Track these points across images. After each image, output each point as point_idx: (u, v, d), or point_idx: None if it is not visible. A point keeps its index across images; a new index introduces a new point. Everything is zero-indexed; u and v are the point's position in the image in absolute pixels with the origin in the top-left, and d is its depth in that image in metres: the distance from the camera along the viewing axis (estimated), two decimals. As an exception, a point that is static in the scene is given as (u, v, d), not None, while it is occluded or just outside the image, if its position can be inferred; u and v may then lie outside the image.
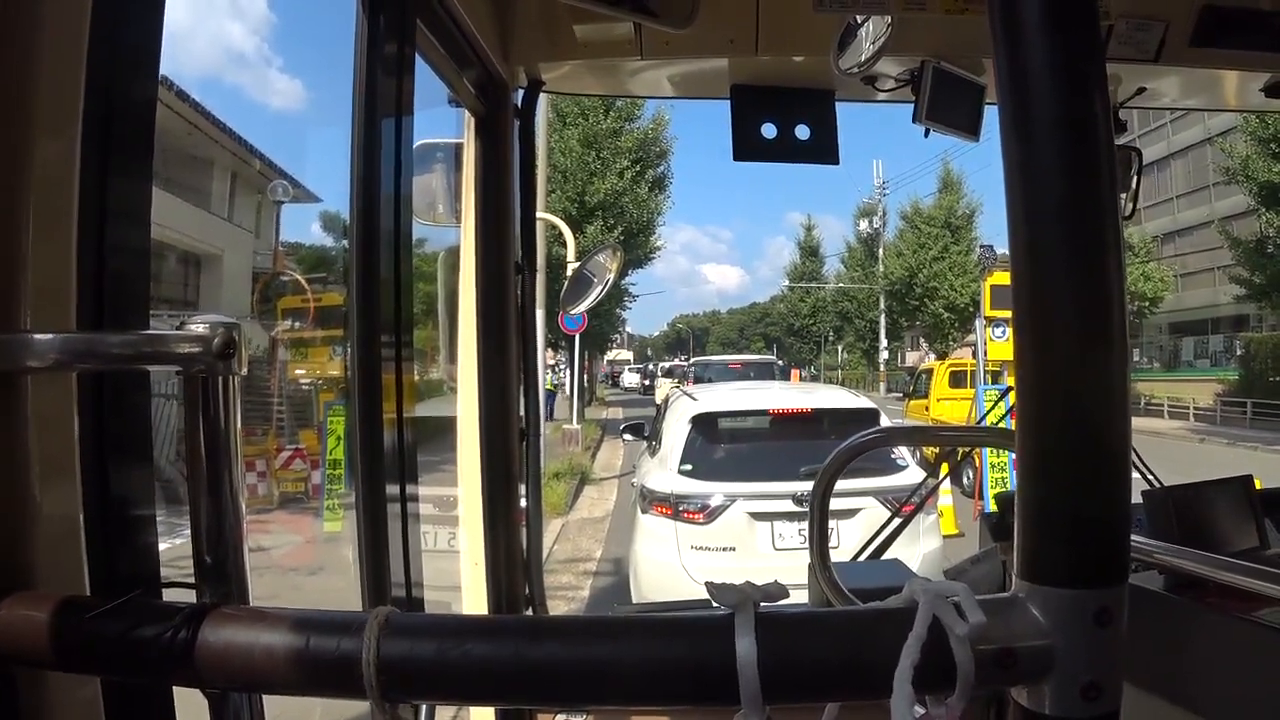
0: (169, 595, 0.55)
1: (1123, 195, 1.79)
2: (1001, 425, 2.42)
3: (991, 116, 1.56)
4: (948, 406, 11.92)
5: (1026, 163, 0.39)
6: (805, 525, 2.79)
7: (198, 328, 0.47)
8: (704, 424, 4.90)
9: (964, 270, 27.93)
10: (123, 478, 0.59)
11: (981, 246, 12.79)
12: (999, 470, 6.90)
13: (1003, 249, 9.24)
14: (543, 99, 2.25)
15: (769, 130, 1.63)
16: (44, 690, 0.49)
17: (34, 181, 0.50)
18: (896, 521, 2.33)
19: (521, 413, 1.64)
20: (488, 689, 0.44)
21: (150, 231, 0.62)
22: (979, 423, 4.12)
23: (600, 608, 5.63)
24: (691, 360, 25.89)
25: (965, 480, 8.35)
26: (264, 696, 0.53)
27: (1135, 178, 1.83)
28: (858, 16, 1.40)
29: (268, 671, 0.43)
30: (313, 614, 0.44)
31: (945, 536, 5.24)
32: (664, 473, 4.73)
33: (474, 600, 1.58)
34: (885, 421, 5.08)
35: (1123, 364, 0.39)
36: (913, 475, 4.49)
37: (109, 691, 0.53)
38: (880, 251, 34.97)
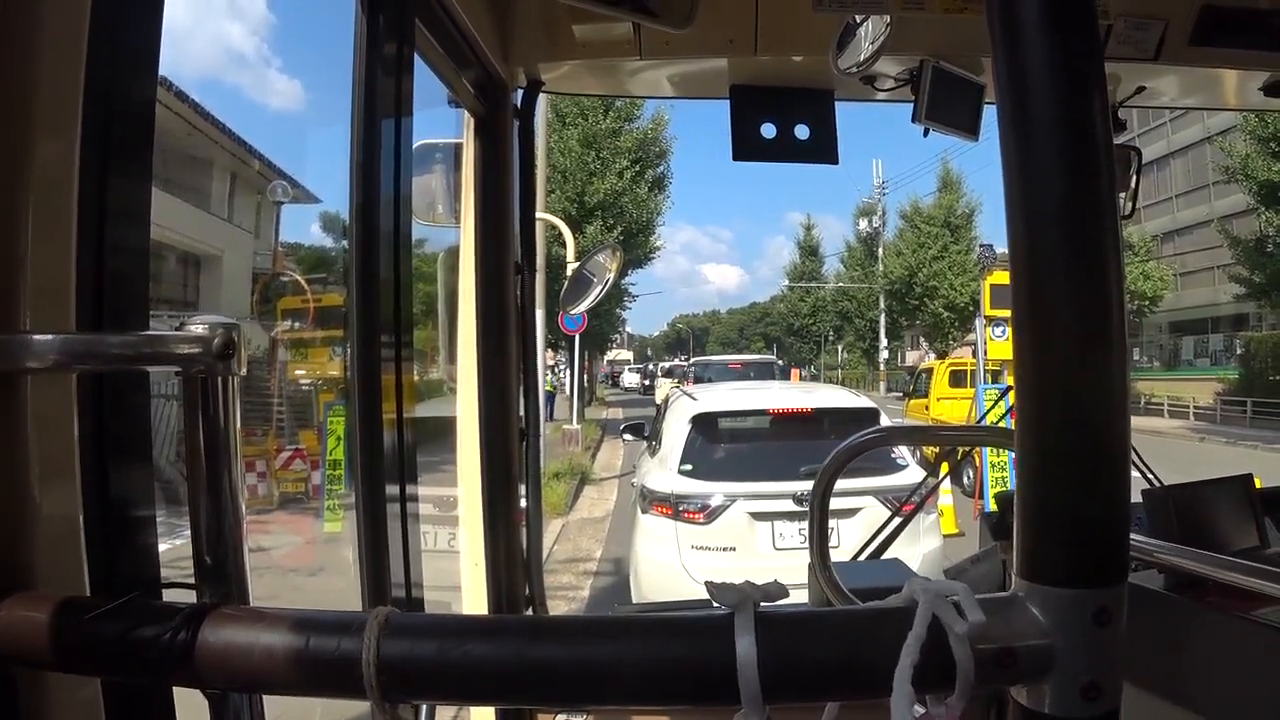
0: (169, 596, 0.55)
1: (1122, 194, 1.79)
2: (1001, 425, 2.42)
3: (991, 116, 1.56)
4: (948, 406, 11.92)
5: (1026, 162, 0.40)
6: (805, 525, 2.79)
7: (197, 328, 0.47)
8: (704, 424, 4.90)
9: (964, 269, 27.94)
10: (122, 478, 0.59)
11: (981, 246, 12.78)
12: (999, 470, 6.90)
13: (1002, 248, 9.23)
14: (542, 99, 2.25)
15: (768, 130, 1.63)
16: (44, 691, 0.49)
17: (33, 182, 0.50)
18: (896, 521, 2.33)
19: (521, 413, 1.64)
20: (488, 689, 0.44)
21: (150, 232, 0.62)
22: (979, 422, 4.12)
23: (600, 608, 5.63)
24: (691, 360, 25.89)
25: (965, 480, 8.35)
26: (264, 697, 0.53)
27: (1134, 177, 1.83)
28: (857, 16, 1.40)
29: (268, 672, 0.43)
30: (313, 614, 0.44)
31: (945, 536, 5.24)
32: (664, 473, 4.73)
33: (474, 600, 1.58)
34: (885, 421, 5.08)
35: (1122, 363, 0.39)
36: (913, 475, 4.49)
37: (109, 692, 0.53)
38: (880, 251, 34.98)
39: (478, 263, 1.56)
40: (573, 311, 7.62)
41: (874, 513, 4.09)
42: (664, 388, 20.69)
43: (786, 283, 45.53)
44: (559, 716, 1.51)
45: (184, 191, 8.39)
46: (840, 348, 41.55)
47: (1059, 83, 0.39)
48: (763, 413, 5.14)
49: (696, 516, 4.44)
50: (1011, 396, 0.44)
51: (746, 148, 1.63)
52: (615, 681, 0.42)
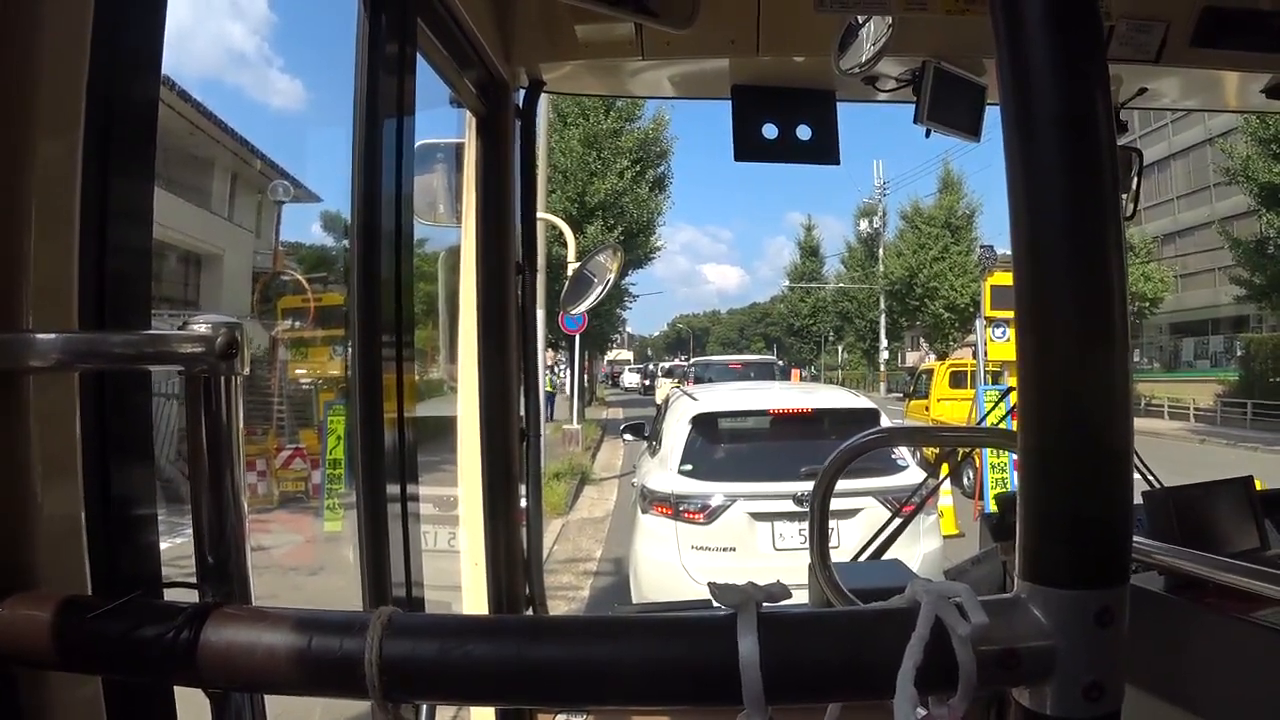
0: (171, 595, 0.55)
1: (1124, 196, 1.79)
2: (1002, 425, 2.42)
3: (992, 116, 1.56)
4: (948, 407, 11.92)
5: (1028, 163, 0.40)
6: (806, 525, 2.79)
7: (200, 327, 0.47)
8: (704, 424, 4.90)
9: (964, 270, 27.93)
10: (124, 477, 0.59)
11: (982, 247, 12.78)
12: (999, 471, 6.90)
13: (1003, 249, 9.24)
14: (543, 99, 2.25)
15: (770, 130, 1.63)
16: (46, 690, 0.49)
17: (36, 181, 0.50)
18: (897, 522, 2.33)
19: (522, 413, 1.64)
20: (489, 689, 0.44)
21: (152, 231, 0.62)
22: (979, 423, 4.12)
23: (601, 608, 5.63)
24: (692, 360, 25.88)
25: (966, 481, 8.34)
26: (265, 696, 0.53)
27: (1136, 178, 1.83)
28: (858, 17, 1.40)
29: (270, 671, 0.43)
30: (315, 614, 0.44)
31: (945, 537, 5.24)
32: (664, 473, 4.73)
33: (474, 600, 1.58)
34: (885, 422, 5.08)
35: (1124, 364, 0.39)
36: (913, 475, 4.49)
37: (110, 691, 0.53)
38: (880, 252, 34.98)
39: (479, 262, 1.56)
40: (573, 311, 7.62)
41: (874, 513, 4.09)
42: (664, 388, 20.69)
43: (787, 283, 45.59)
44: (559, 716, 1.51)
45: (186, 191, 8.40)
46: (840, 348, 41.54)
47: (1061, 83, 0.39)
48: (763, 413, 5.14)
49: (697, 517, 4.44)
50: (1012, 398, 0.44)
51: (748, 148, 1.63)
52: (616, 681, 0.42)
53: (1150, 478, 1.58)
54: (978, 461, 7.22)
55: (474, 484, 1.58)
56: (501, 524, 1.58)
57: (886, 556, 2.20)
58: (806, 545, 1.61)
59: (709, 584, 0.47)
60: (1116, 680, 0.40)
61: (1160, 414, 22.12)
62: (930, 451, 6.85)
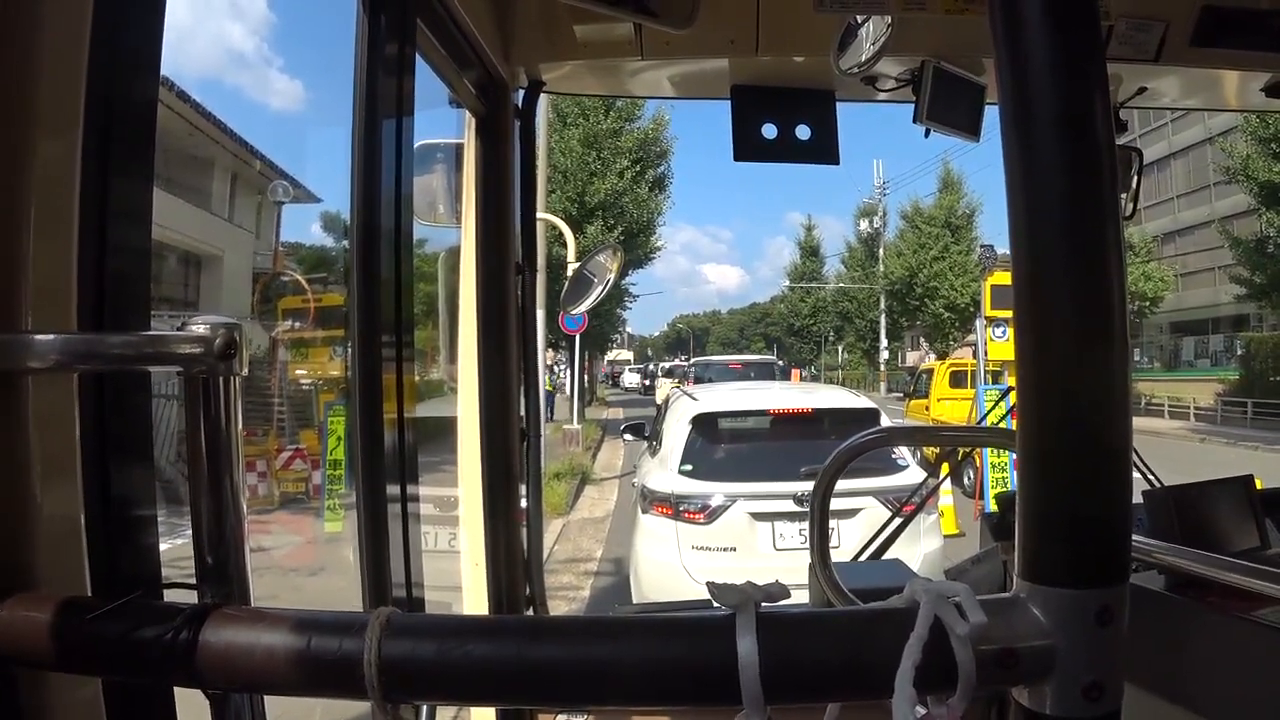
0: (170, 596, 0.55)
1: (1123, 195, 1.79)
2: (1002, 425, 2.42)
3: (992, 116, 1.56)
4: (948, 406, 11.92)
5: (1028, 161, 0.40)
6: (806, 525, 2.80)
7: (199, 328, 0.47)
8: (704, 424, 4.90)
9: (964, 270, 27.93)
10: (124, 478, 0.59)
11: (982, 246, 12.79)
12: (999, 470, 6.89)
13: (1003, 249, 9.24)
14: (543, 99, 2.25)
15: (769, 130, 1.63)
16: (45, 691, 0.49)
17: (35, 182, 0.50)
18: (897, 521, 2.33)
19: (522, 413, 1.64)
20: (489, 689, 0.44)
21: (151, 232, 0.62)
22: (979, 423, 4.12)
23: (601, 608, 5.63)
24: (692, 360, 25.88)
25: (966, 480, 8.34)
26: (265, 697, 0.53)
27: (1136, 178, 1.83)
28: (858, 17, 1.40)
29: (269, 672, 0.43)
30: (314, 614, 0.44)
31: (946, 536, 5.24)
32: (664, 473, 4.73)
33: (474, 600, 1.58)
34: (886, 421, 5.08)
35: (1123, 363, 0.39)
36: (913, 475, 4.49)
37: (110, 692, 0.53)
38: (880, 251, 34.97)
39: (479, 263, 1.56)
40: (573, 312, 7.62)
41: (874, 513, 4.09)
42: (664, 388, 20.68)
43: (787, 283, 45.58)
44: (559, 716, 1.51)
45: (185, 191, 8.39)
46: (841, 348, 41.52)
47: (1061, 83, 0.39)
48: (763, 413, 5.14)
49: (697, 517, 4.44)
50: (1012, 397, 0.44)
51: (747, 148, 1.63)
52: (616, 681, 0.42)
53: (1150, 477, 1.58)
54: (978, 461, 7.21)
55: (474, 484, 1.58)
56: (502, 524, 1.58)
57: (887, 556, 2.20)
58: (807, 545, 1.61)
59: (708, 584, 0.47)
60: (1116, 680, 0.40)
61: (1160, 413, 22.12)
62: (930, 451, 6.86)
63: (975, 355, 9.51)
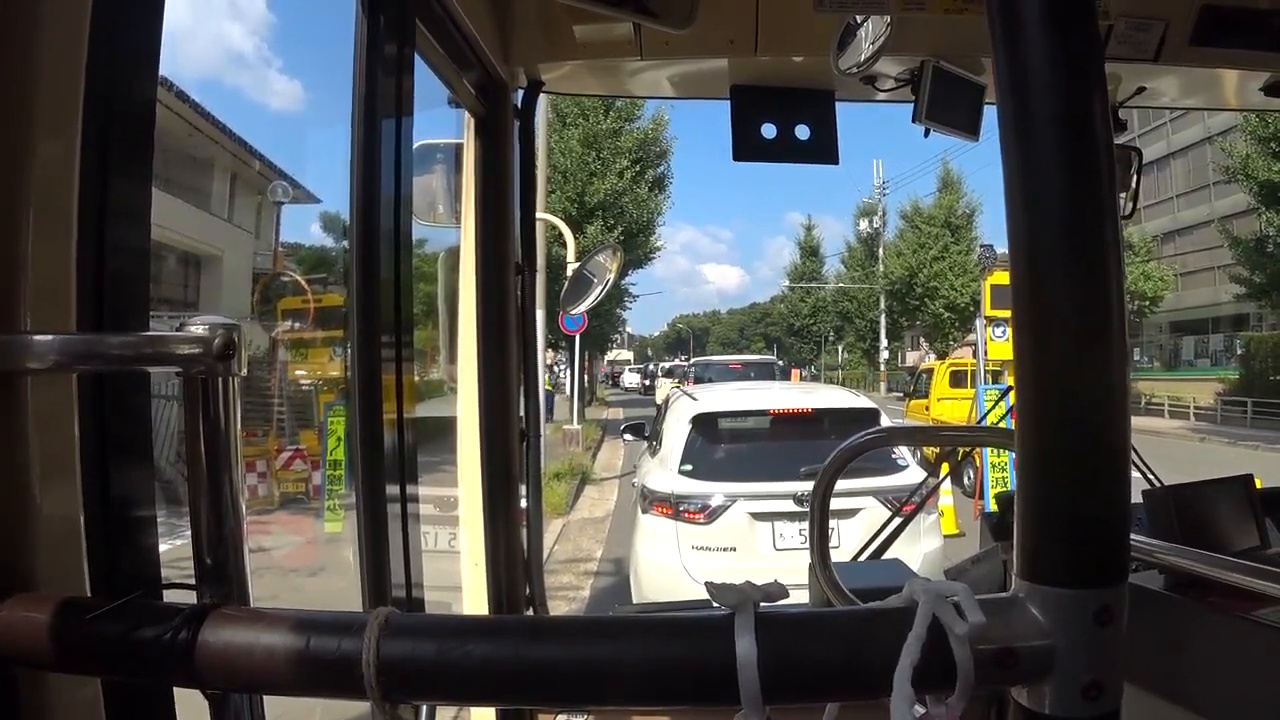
0: (169, 596, 0.55)
1: (1122, 195, 1.79)
2: (1002, 425, 2.42)
3: (991, 116, 1.56)
4: (948, 406, 11.92)
5: (1026, 162, 0.40)
6: (806, 525, 2.79)
7: (198, 329, 0.47)
8: (704, 424, 4.90)
9: (964, 270, 27.94)
10: (123, 479, 0.59)
11: (981, 246, 12.79)
12: (999, 470, 6.89)
13: (1003, 248, 9.23)
14: (542, 99, 2.24)
15: (769, 130, 1.63)
16: (45, 691, 0.49)
17: (34, 182, 0.50)
18: (897, 521, 2.33)
19: (521, 413, 1.64)
20: (488, 689, 0.44)
21: (150, 232, 0.62)
22: (979, 422, 4.12)
23: (601, 608, 5.63)
24: (692, 360, 25.87)
25: (966, 480, 8.34)
26: (264, 697, 0.53)
27: (1135, 177, 1.83)
28: (857, 17, 1.40)
29: (268, 672, 0.43)
30: (313, 614, 0.44)
31: (945, 536, 5.24)
32: (664, 473, 4.73)
33: (474, 600, 1.58)
34: (885, 421, 5.08)
35: (1122, 363, 0.39)
36: (913, 475, 4.49)
37: (110, 692, 0.53)
38: (880, 251, 34.98)
39: (478, 263, 1.56)
40: (573, 312, 7.62)
41: (874, 513, 4.09)
42: (664, 388, 20.68)
43: (787, 283, 45.57)
44: (559, 716, 1.51)
45: (184, 192, 8.39)
46: (840, 348, 41.52)
47: (1059, 82, 0.39)
48: (763, 413, 5.14)
49: (697, 517, 4.44)
50: (1012, 397, 0.43)
51: (747, 148, 1.63)
52: (615, 681, 0.42)
53: (1150, 476, 1.58)
54: (978, 461, 7.21)
55: (474, 484, 1.58)
56: (501, 524, 1.58)
57: (886, 556, 2.20)
58: (807, 545, 1.61)
59: (706, 584, 0.47)
60: (1115, 679, 0.40)
61: (1160, 413, 22.12)
62: (930, 451, 6.85)
63: (975, 355, 9.51)
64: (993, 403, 4.31)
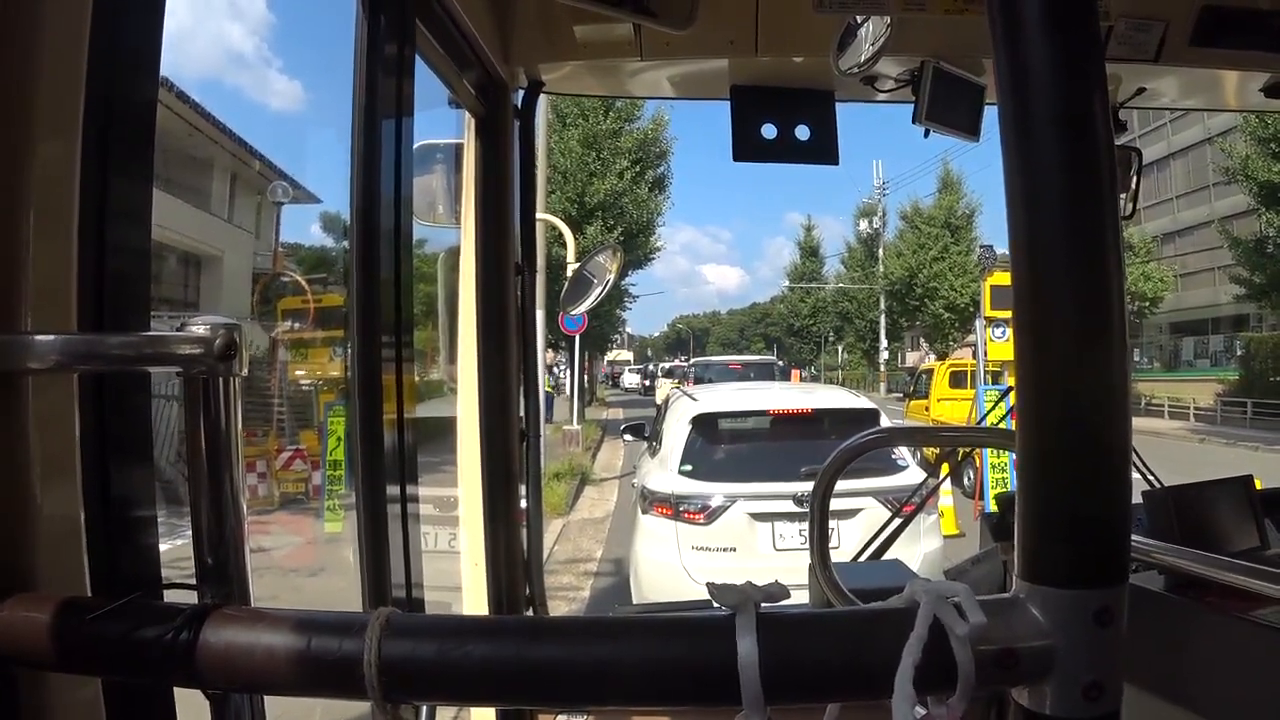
0: (170, 596, 0.55)
1: (1123, 195, 1.79)
2: (1002, 425, 2.42)
3: (991, 116, 1.56)
4: (948, 407, 11.91)
5: (1027, 161, 0.40)
6: (806, 526, 2.79)
7: (198, 329, 0.47)
8: (704, 424, 4.90)
9: (964, 270, 27.92)
10: (124, 479, 0.59)
11: (981, 246, 12.79)
12: (999, 470, 6.89)
13: (1003, 249, 9.23)
14: (542, 100, 2.25)
15: (769, 131, 1.63)
16: (45, 691, 0.49)
17: (34, 182, 0.50)
18: (897, 522, 2.33)
19: (521, 413, 1.64)
20: (489, 689, 0.44)
21: (151, 232, 0.62)
22: (979, 423, 4.12)
23: (601, 608, 5.63)
24: (692, 361, 25.86)
25: (966, 481, 8.34)
26: (265, 697, 0.53)
27: (1135, 178, 1.83)
28: (857, 17, 1.40)
29: (269, 672, 0.43)
30: (314, 615, 0.44)
31: (946, 537, 5.24)
32: (664, 473, 4.73)
33: (474, 601, 1.58)
34: (885, 422, 5.08)
35: (1123, 363, 0.39)
36: (913, 475, 4.49)
37: (110, 693, 0.53)
38: (880, 252, 34.96)
39: (478, 263, 1.56)
40: (573, 312, 7.62)
41: (874, 513, 4.09)
42: (664, 388, 20.66)
43: (787, 283, 45.55)
44: (559, 717, 1.51)
45: (185, 192, 8.40)
46: (840, 348, 41.50)
47: (1060, 83, 0.39)
48: (763, 413, 5.14)
49: (697, 517, 4.44)
50: (1012, 397, 0.44)
51: (747, 148, 1.63)
52: (616, 682, 0.42)
53: (1150, 477, 1.58)
54: (978, 461, 7.21)
55: (474, 484, 1.58)
56: (501, 524, 1.58)
57: (887, 556, 2.20)
58: (807, 545, 1.61)
59: (707, 584, 0.47)
60: (1116, 680, 0.40)
61: (1160, 413, 22.11)
62: (930, 451, 6.85)
63: (975, 356, 9.51)
64: (993, 403, 4.32)
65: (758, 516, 4.42)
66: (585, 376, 20.03)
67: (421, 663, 0.42)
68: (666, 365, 35.82)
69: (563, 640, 0.43)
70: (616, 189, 19.40)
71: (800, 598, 1.32)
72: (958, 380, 12.48)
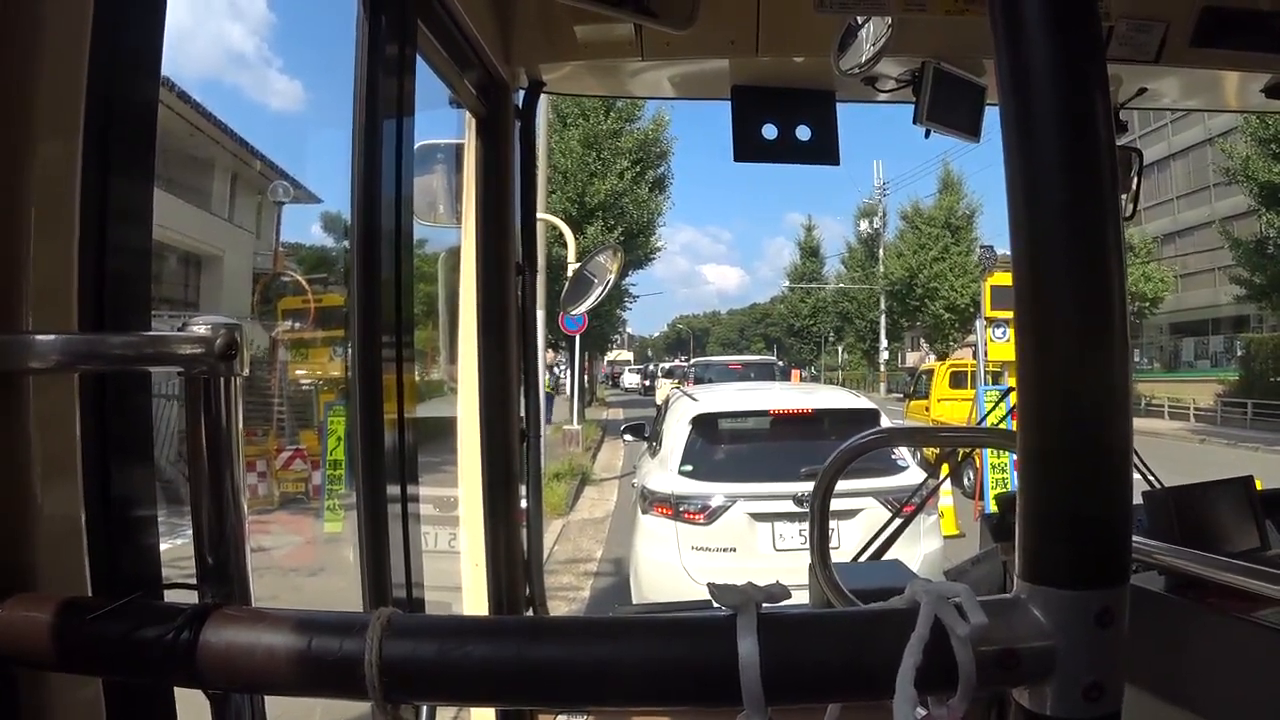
0: (170, 596, 0.55)
1: (1123, 196, 1.79)
2: (1002, 426, 2.42)
3: (992, 117, 1.56)
4: (948, 407, 11.91)
5: (1028, 161, 0.40)
6: (806, 526, 2.79)
7: (199, 329, 0.47)
8: (704, 425, 4.90)
9: (964, 271, 27.93)
10: (124, 478, 0.59)
11: (982, 247, 12.79)
12: (999, 471, 6.89)
13: (1003, 249, 9.23)
14: (543, 100, 2.25)
15: (769, 131, 1.63)
16: (46, 691, 0.49)
17: (35, 182, 0.50)
18: (897, 522, 2.33)
19: (522, 413, 1.64)
20: (489, 689, 0.44)
21: (151, 232, 0.62)
22: (979, 423, 4.12)
23: (601, 608, 5.63)
24: (692, 361, 25.86)
25: (966, 481, 8.34)
26: (265, 697, 0.53)
27: (1136, 178, 1.83)
28: (858, 17, 1.40)
29: (270, 672, 0.43)
30: (315, 615, 0.44)
31: (946, 537, 5.24)
32: (664, 473, 4.73)
33: (474, 601, 1.58)
34: (886, 422, 5.08)
35: (1124, 364, 0.39)
36: (913, 476, 4.49)
37: (110, 693, 0.53)
38: (880, 252, 34.96)
39: (479, 263, 1.56)
40: (573, 312, 7.62)
41: (874, 514, 4.09)
42: (664, 388, 20.65)
43: (787, 284, 45.53)
44: (559, 717, 1.51)
45: (185, 192, 8.40)
46: (841, 349, 41.48)
47: (1061, 83, 0.39)
48: (763, 413, 5.14)
49: (697, 517, 4.44)
50: (1012, 398, 0.44)
51: (748, 148, 1.63)
52: (616, 682, 0.42)
53: (1150, 478, 1.58)
54: (978, 462, 7.21)
55: (474, 484, 1.58)
56: (502, 524, 1.58)
57: (887, 557, 2.20)
58: (807, 546, 1.61)
59: (708, 584, 0.47)
60: (1116, 680, 0.40)
61: (1160, 414, 22.11)
62: (930, 452, 6.85)
63: (975, 356, 9.51)
64: (993, 404, 4.32)
65: (758, 517, 4.42)
66: (585, 376, 20.04)
67: (422, 663, 0.42)
68: (666, 365, 35.82)
69: (563, 640, 0.43)
70: (617, 189, 19.40)
71: (800, 598, 1.32)
72: (958, 381, 12.48)
